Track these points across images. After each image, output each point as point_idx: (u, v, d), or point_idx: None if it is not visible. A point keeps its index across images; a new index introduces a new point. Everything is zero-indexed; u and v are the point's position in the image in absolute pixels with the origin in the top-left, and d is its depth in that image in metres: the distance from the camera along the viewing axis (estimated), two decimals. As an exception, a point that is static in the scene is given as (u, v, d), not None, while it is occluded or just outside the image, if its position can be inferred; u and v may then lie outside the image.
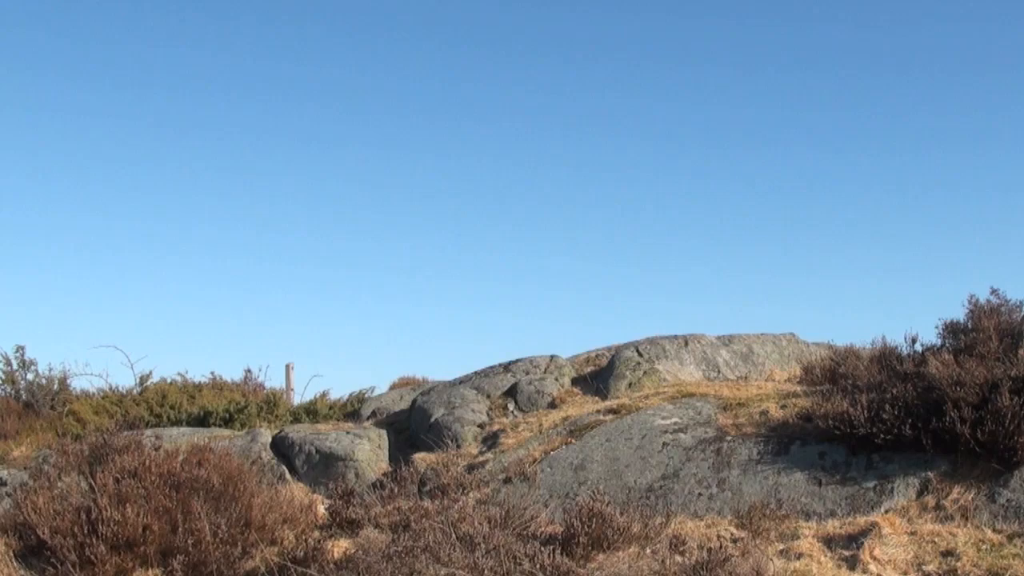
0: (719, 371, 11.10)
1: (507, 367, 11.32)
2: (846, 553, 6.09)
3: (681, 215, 34.89)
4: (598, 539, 6.43)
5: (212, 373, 14.50)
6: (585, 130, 34.31)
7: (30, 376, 13.18)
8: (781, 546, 6.25)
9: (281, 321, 31.15)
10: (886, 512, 6.65)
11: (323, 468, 9.60)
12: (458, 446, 9.57)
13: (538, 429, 9.30)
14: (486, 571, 5.81)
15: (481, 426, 10.01)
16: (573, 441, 8.60)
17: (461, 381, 11.36)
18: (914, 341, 9.03)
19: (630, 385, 10.27)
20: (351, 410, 12.27)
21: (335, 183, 34.72)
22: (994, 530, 6.21)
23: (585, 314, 32.67)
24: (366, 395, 12.83)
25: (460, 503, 7.21)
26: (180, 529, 6.96)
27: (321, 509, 8.00)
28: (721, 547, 6.21)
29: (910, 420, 7.18)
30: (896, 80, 32.17)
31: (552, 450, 8.53)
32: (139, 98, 32.84)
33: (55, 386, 12.91)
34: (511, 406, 10.38)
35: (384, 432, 10.37)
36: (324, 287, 34.03)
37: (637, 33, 33.33)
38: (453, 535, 6.28)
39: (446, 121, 34.68)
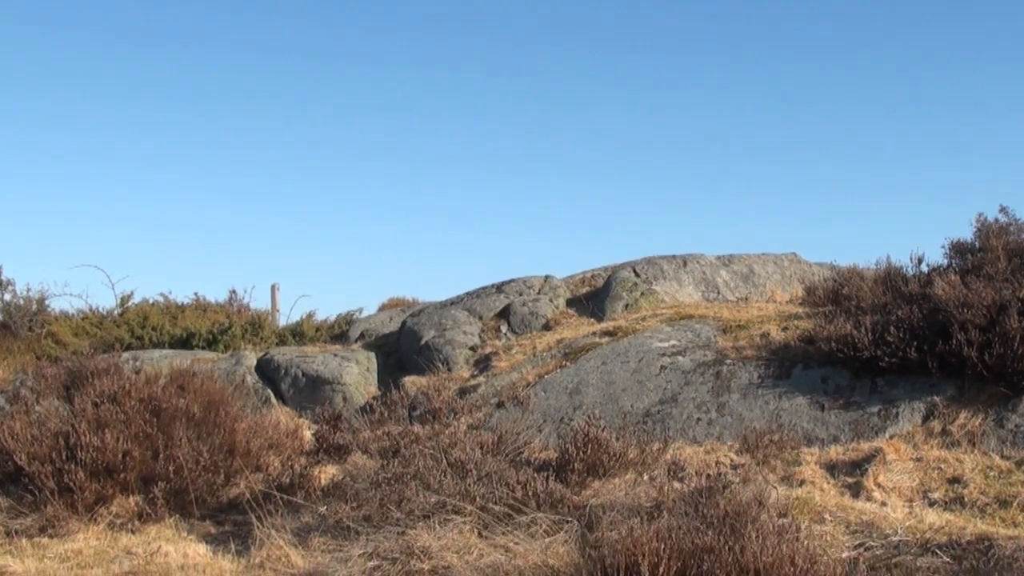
0: (719, 292, 10.84)
1: (500, 288, 11.04)
2: (850, 480, 5.92)
3: (680, 131, 34.17)
4: (594, 465, 6.26)
5: (195, 294, 14.23)
6: (582, 45, 33.19)
7: (7, 296, 12.80)
8: (783, 473, 6.08)
9: (267, 240, 30.70)
10: (891, 438, 6.47)
11: (310, 392, 9.39)
12: (449, 369, 9.35)
13: (532, 352, 9.07)
14: (477, 498, 5.64)
15: (473, 349, 9.77)
16: (568, 364, 8.37)
17: (452, 302, 11.09)
18: (920, 261, 8.81)
19: (627, 307, 10.02)
20: (339, 332, 12.03)
21: (321, 99, 33.70)
22: (1002, 456, 6.04)
23: (580, 233, 32.34)
24: (354, 316, 12.57)
25: (451, 428, 7.01)
26: (161, 455, 6.74)
27: (307, 434, 7.79)
28: (721, 474, 6.05)
29: (915, 343, 6.97)
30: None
31: (546, 373, 8.31)
32: (123, 9, 31.42)
33: (33, 307, 12.54)
34: (504, 328, 10.13)
35: (373, 355, 10.14)
36: (311, 205, 33.47)
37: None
38: (444, 461, 6.09)
39: (439, 37, 33.44)
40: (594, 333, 9.12)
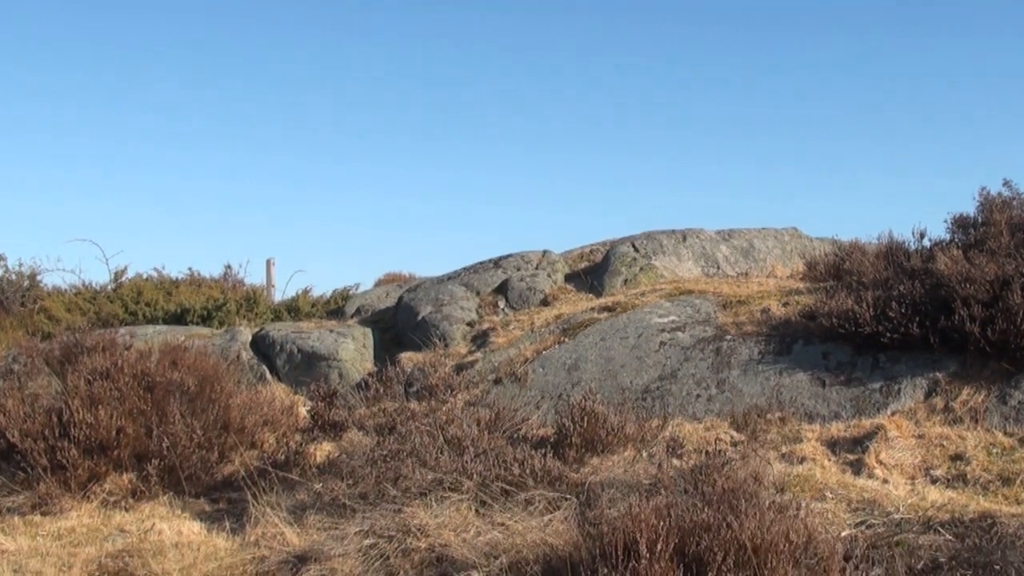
0: (718, 267, 10.75)
1: (497, 263, 10.94)
2: (851, 457, 5.85)
3: (679, 103, 33.84)
4: (591, 441, 6.19)
5: (190, 269, 14.11)
6: (579, 15, 32.73)
7: (-1, 271, 12.64)
8: (783, 450, 6.01)
9: (262, 214, 30.50)
10: (893, 415, 6.40)
11: (305, 368, 9.30)
12: (446, 345, 9.27)
13: (530, 327, 8.98)
14: (475, 476, 5.57)
15: (470, 324, 9.68)
16: (566, 340, 8.28)
17: (449, 277, 10.99)
18: (922, 236, 8.73)
19: (626, 282, 9.93)
20: (334, 307, 11.93)
21: (319, 69, 33.31)
22: (1005, 433, 5.97)
23: (578, 207, 32.13)
24: (350, 292, 12.47)
25: (448, 405, 6.94)
26: (155, 432, 6.66)
27: (303, 411, 7.72)
28: (720, 451, 5.98)
29: (918, 318, 6.89)
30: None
31: (544, 349, 8.22)
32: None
33: (25, 282, 12.40)
34: (502, 303, 10.03)
35: (369, 331, 10.05)
36: (307, 179, 33.19)
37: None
38: (440, 438, 6.02)
39: (434, 7, 32.95)
40: (593, 308, 9.03)
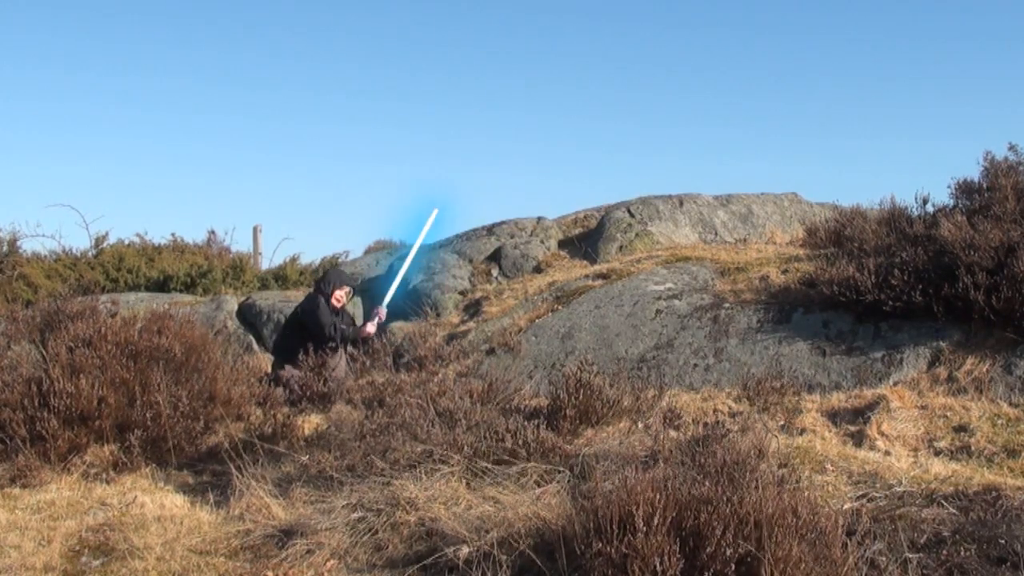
0: (716, 233, 10.55)
1: (490, 230, 10.73)
2: (852, 428, 5.71)
3: (677, 65, 33.36)
4: (586, 412, 6.04)
5: (173, 235, 13.84)
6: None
7: (-25, 237, 12.37)
8: (783, 421, 5.86)
9: (249, 179, 30.08)
10: (895, 385, 6.26)
11: (293, 338, 9.10)
12: (438, 314, 9.10)
13: (523, 295, 8.80)
14: (466, 448, 5.41)
15: (463, 293, 9.49)
16: (560, 308, 8.11)
17: (441, 245, 10.79)
18: (925, 201, 8.58)
19: (621, 248, 9.75)
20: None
21: (308, 31, 32.69)
22: (1010, 404, 5.84)
23: (573, 172, 31.81)
24: (339, 259, 12.27)
25: (439, 376, 6.76)
26: (138, 402, 6.47)
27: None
28: (719, 422, 5.84)
29: (920, 286, 6.74)
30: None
31: (538, 318, 8.05)
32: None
33: (4, 248, 12.16)
34: (495, 271, 9.84)
35: (358, 300, 9.86)
36: (295, 143, 32.73)
37: None
38: (431, 410, 5.85)
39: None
40: (587, 276, 8.85)
